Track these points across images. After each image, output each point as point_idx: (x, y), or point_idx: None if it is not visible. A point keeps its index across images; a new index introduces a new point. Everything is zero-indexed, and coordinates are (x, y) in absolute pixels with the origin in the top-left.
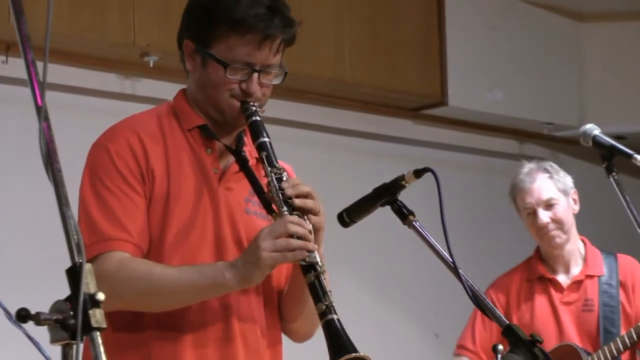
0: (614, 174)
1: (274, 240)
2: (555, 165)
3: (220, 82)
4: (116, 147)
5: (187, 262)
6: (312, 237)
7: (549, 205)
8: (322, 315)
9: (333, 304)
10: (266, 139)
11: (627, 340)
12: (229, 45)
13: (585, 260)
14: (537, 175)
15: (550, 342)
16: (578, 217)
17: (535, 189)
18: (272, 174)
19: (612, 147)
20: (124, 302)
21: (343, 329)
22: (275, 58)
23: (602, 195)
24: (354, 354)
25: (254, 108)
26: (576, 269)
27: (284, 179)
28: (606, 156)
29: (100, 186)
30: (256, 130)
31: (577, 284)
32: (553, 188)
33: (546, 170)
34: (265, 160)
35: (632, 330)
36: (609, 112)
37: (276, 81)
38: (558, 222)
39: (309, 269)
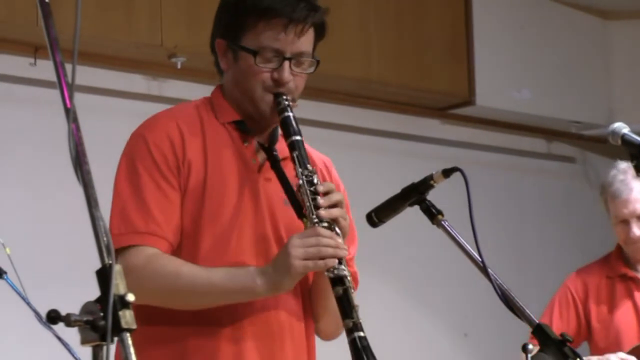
0: None
1: (305, 249)
2: None
3: (251, 72)
4: (154, 137)
5: (220, 250)
6: (343, 246)
7: None
8: (349, 332)
9: (360, 320)
10: (298, 137)
11: None
12: (257, 33)
13: None
14: (634, 185)
15: (631, 342)
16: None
17: (632, 200)
18: (303, 177)
19: None
20: (150, 298)
21: (369, 347)
22: (304, 45)
23: None
24: None
25: (286, 102)
26: None
27: (315, 182)
28: (635, 154)
29: (135, 176)
30: (287, 129)
31: None
32: None
33: None
34: (296, 160)
35: None
36: (637, 110)
37: (309, 70)
38: None
39: (337, 282)
